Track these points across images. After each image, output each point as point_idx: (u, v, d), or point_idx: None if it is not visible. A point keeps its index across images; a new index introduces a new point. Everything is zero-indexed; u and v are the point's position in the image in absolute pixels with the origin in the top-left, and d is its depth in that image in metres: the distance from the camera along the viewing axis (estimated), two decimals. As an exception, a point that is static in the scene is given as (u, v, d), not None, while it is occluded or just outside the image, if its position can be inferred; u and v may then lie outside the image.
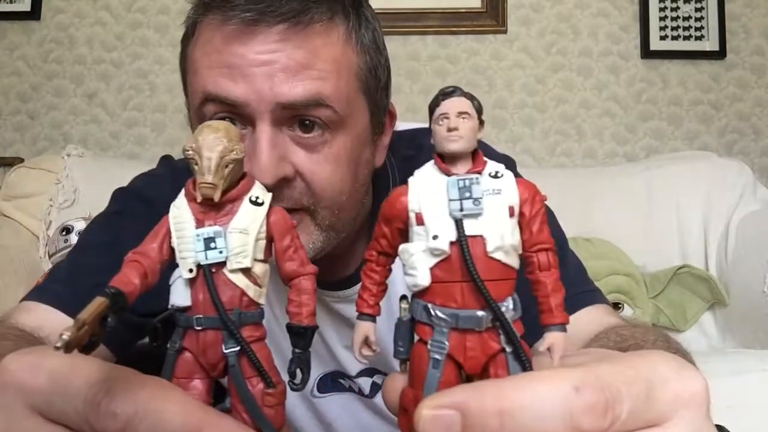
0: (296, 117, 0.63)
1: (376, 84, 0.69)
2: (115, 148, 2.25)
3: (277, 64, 0.61)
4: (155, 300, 0.36)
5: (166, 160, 0.86)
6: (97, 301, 0.29)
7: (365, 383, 0.83)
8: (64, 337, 0.27)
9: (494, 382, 0.29)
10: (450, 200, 0.31)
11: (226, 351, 0.33)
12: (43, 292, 0.70)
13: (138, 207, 0.75)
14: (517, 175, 0.33)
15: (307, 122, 0.63)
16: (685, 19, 2.19)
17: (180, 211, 0.34)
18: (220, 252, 0.33)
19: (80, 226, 1.67)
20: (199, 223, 0.34)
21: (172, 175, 0.81)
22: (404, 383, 0.33)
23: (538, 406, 0.27)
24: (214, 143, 0.33)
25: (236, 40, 0.61)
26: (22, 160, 2.11)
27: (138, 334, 0.70)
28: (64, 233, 1.68)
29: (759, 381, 0.93)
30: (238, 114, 0.62)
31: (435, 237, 0.31)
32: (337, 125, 0.64)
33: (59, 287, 0.70)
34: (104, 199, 0.82)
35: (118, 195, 0.82)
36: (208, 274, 0.33)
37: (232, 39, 0.61)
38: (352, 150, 0.67)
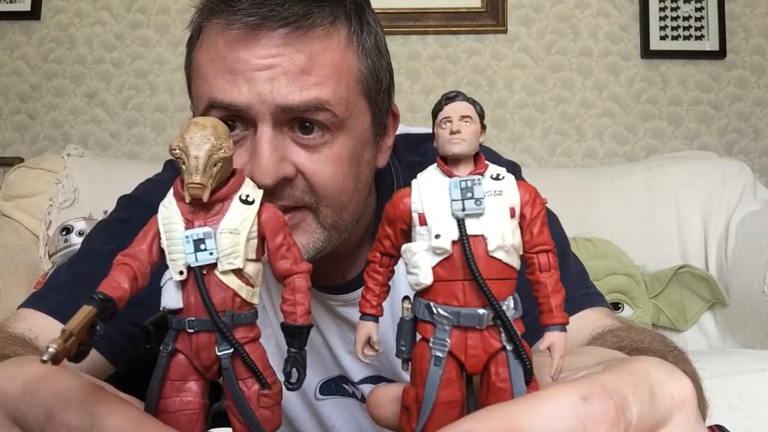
0: (296, 119, 0.63)
1: (377, 87, 0.70)
2: (115, 148, 2.25)
3: (278, 68, 0.61)
4: (157, 310, 0.36)
5: (170, 165, 0.86)
6: (84, 310, 0.29)
7: (369, 390, 0.83)
8: (51, 349, 0.26)
9: (499, 405, 0.29)
10: (452, 200, 0.32)
11: (219, 353, 0.32)
12: (42, 300, 0.70)
13: (144, 215, 0.75)
14: (520, 179, 0.34)
15: (308, 124, 0.64)
16: (685, 19, 2.19)
17: (169, 212, 0.34)
18: (211, 253, 0.32)
19: (80, 226, 1.67)
20: (189, 224, 0.33)
21: None
22: (389, 395, 0.33)
23: (549, 422, 0.27)
24: (201, 141, 0.32)
25: (240, 44, 0.62)
26: (22, 160, 2.11)
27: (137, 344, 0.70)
28: (64, 233, 1.68)
29: (759, 381, 0.93)
30: (241, 117, 0.63)
31: (437, 236, 0.31)
32: (338, 127, 0.65)
33: (58, 296, 0.70)
34: (104, 199, 0.82)
35: (124, 202, 0.81)
36: (199, 277, 0.32)
37: (236, 43, 0.62)
38: (353, 151, 0.67)
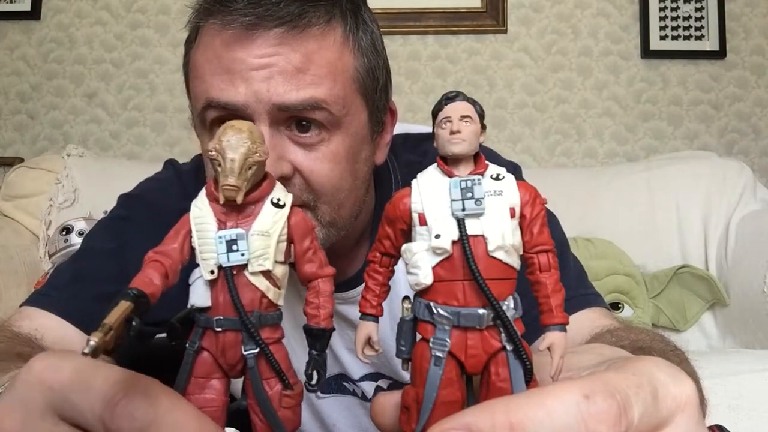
0: (293, 118, 0.64)
1: (374, 85, 0.70)
2: (115, 148, 2.25)
3: (275, 68, 0.62)
4: (159, 311, 0.35)
5: (170, 164, 0.87)
6: (121, 305, 0.29)
7: (369, 387, 0.83)
8: (92, 342, 0.27)
9: (501, 399, 0.29)
10: (452, 200, 0.32)
11: (245, 353, 0.33)
12: (44, 298, 0.70)
13: (144, 214, 0.75)
14: (520, 180, 0.34)
15: (305, 123, 0.64)
16: (685, 19, 2.19)
17: (202, 212, 0.34)
18: (242, 254, 0.33)
19: (80, 226, 1.67)
20: (221, 225, 0.34)
21: (178, 180, 0.81)
22: (392, 402, 0.33)
23: (550, 418, 0.27)
24: (237, 144, 0.33)
25: (236, 44, 0.62)
26: (22, 160, 2.11)
27: (139, 342, 0.70)
28: (64, 233, 1.68)
29: (759, 381, 0.93)
30: (238, 116, 0.63)
31: (437, 236, 0.31)
32: (334, 125, 0.65)
33: (60, 294, 0.70)
34: (104, 199, 0.82)
35: (124, 201, 0.81)
36: (229, 277, 0.33)
37: (233, 43, 0.62)
38: (350, 148, 0.67)
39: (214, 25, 0.63)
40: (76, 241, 1.63)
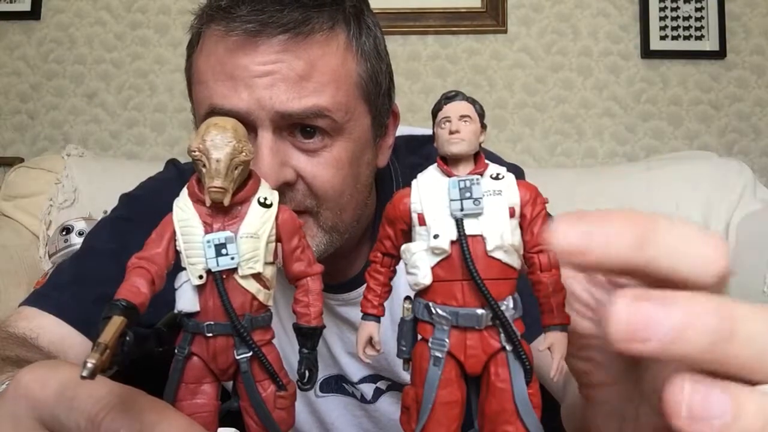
0: (296, 124, 0.64)
1: (377, 90, 0.70)
2: (115, 148, 2.25)
3: (278, 75, 0.62)
4: (150, 313, 0.35)
5: (172, 164, 0.87)
6: (115, 321, 0.28)
7: (368, 389, 0.83)
8: (89, 365, 0.26)
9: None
10: (451, 200, 0.32)
11: (238, 357, 0.32)
12: (44, 299, 0.70)
13: (146, 214, 0.75)
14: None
15: (309, 129, 0.64)
16: (685, 19, 2.19)
17: (186, 214, 0.33)
18: (232, 258, 0.32)
19: (80, 226, 1.67)
20: (208, 227, 0.32)
21: (180, 179, 0.81)
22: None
23: None
24: (222, 144, 0.32)
25: (239, 50, 0.62)
26: (22, 160, 2.11)
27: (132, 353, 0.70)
28: (64, 233, 1.68)
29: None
30: (240, 122, 0.63)
31: (436, 236, 0.31)
32: (337, 131, 0.65)
33: (60, 294, 0.70)
34: (104, 199, 0.82)
35: (126, 200, 0.81)
36: (219, 282, 0.32)
37: (236, 50, 0.62)
38: (353, 153, 0.67)
39: (218, 31, 0.63)
40: (76, 241, 1.62)
